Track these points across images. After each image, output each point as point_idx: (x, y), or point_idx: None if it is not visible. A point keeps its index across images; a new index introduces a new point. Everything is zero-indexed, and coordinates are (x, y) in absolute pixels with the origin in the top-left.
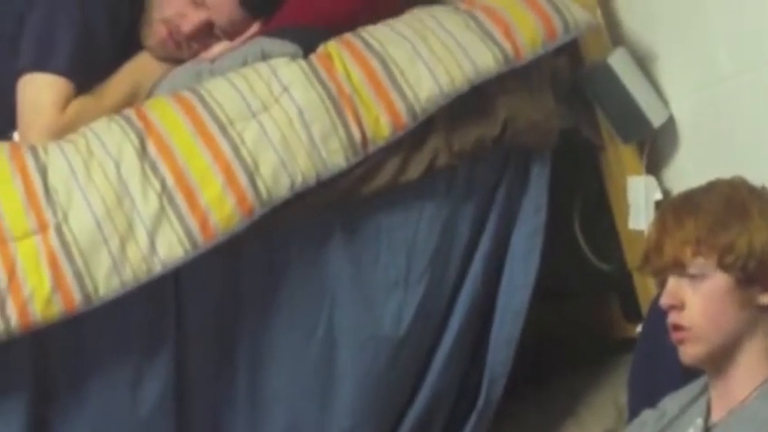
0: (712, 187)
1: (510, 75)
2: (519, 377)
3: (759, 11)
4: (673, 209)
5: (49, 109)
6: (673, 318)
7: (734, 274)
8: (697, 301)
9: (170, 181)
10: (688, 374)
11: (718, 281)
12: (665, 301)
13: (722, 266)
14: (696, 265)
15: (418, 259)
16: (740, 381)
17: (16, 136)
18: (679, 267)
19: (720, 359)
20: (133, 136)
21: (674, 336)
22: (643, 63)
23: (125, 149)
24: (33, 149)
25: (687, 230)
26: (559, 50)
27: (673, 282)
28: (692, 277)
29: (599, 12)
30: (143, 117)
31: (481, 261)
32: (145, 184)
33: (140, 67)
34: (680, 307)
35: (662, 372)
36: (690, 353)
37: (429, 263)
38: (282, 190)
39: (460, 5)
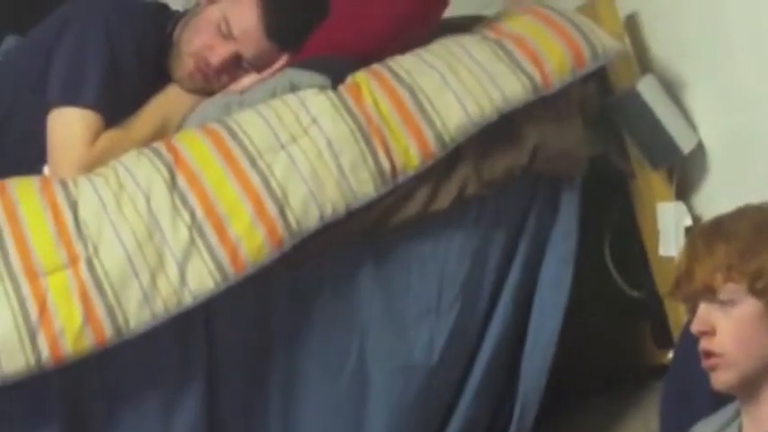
0: (742, 213)
1: (539, 103)
2: (551, 403)
3: None
4: (703, 235)
5: (78, 143)
6: (704, 344)
7: (765, 300)
8: (728, 327)
9: (200, 213)
10: (719, 400)
11: (749, 306)
12: (695, 327)
13: (753, 292)
14: (727, 290)
15: (449, 288)
16: None
17: (46, 170)
18: (710, 293)
19: (752, 385)
20: (163, 169)
21: (705, 363)
22: (672, 89)
23: (155, 182)
24: (64, 183)
25: (718, 256)
26: (588, 78)
27: (703, 308)
28: (723, 303)
29: (627, 39)
30: (172, 150)
31: (512, 289)
32: (175, 217)
33: (169, 100)
34: (711, 333)
35: (693, 398)
36: (721, 379)
37: (460, 291)
38: (312, 221)
39: (488, 34)
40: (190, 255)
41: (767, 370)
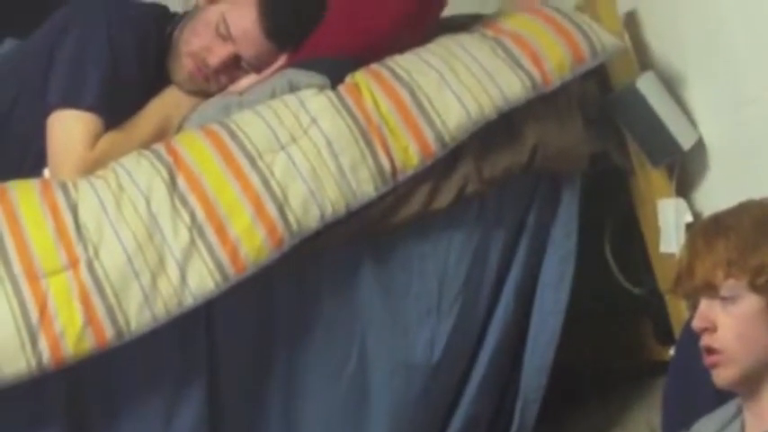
0: (742, 209)
1: (538, 101)
2: (552, 400)
3: None
4: (703, 231)
5: (78, 145)
6: (705, 340)
7: (766, 296)
8: (729, 324)
9: (200, 214)
10: (721, 397)
11: (751, 302)
12: (696, 323)
13: (754, 288)
14: (728, 287)
15: (450, 287)
16: None
17: (46, 173)
18: (710, 290)
19: (753, 381)
20: (163, 170)
21: (707, 360)
22: (671, 86)
23: (155, 184)
24: (64, 186)
25: (718, 253)
26: (587, 75)
27: (704, 304)
28: (724, 299)
29: (626, 36)
30: (172, 151)
31: (512, 287)
32: (175, 218)
33: (169, 102)
34: (712, 329)
35: (695, 394)
36: (723, 376)
37: (460, 290)
38: (312, 221)
39: (487, 32)
40: (190, 256)
41: None
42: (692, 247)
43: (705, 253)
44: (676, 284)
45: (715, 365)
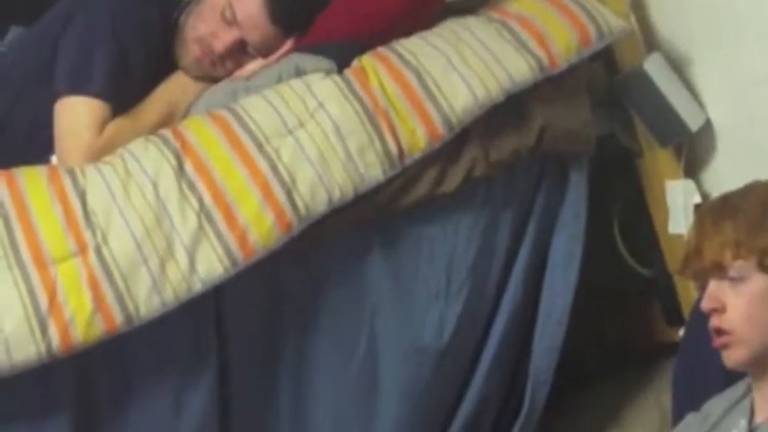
0: (750, 189)
1: (545, 83)
2: (562, 382)
3: None
4: (711, 212)
5: (86, 132)
6: (714, 321)
7: None
8: (738, 304)
9: (208, 199)
10: (731, 377)
11: (759, 283)
12: (705, 304)
13: (762, 268)
14: (736, 267)
15: (458, 270)
16: None
17: (54, 159)
18: (719, 270)
19: (763, 361)
20: (170, 156)
21: (717, 341)
22: (678, 67)
23: (162, 169)
24: (71, 173)
25: (726, 233)
26: (594, 57)
27: (713, 285)
28: (733, 280)
29: (633, 17)
30: (180, 137)
31: (521, 270)
32: (183, 204)
33: (176, 87)
34: (721, 310)
35: (705, 375)
36: (733, 357)
37: (469, 273)
38: (320, 205)
39: (493, 15)
40: (199, 241)
41: None
42: (700, 227)
43: (713, 233)
44: (684, 265)
45: (725, 346)
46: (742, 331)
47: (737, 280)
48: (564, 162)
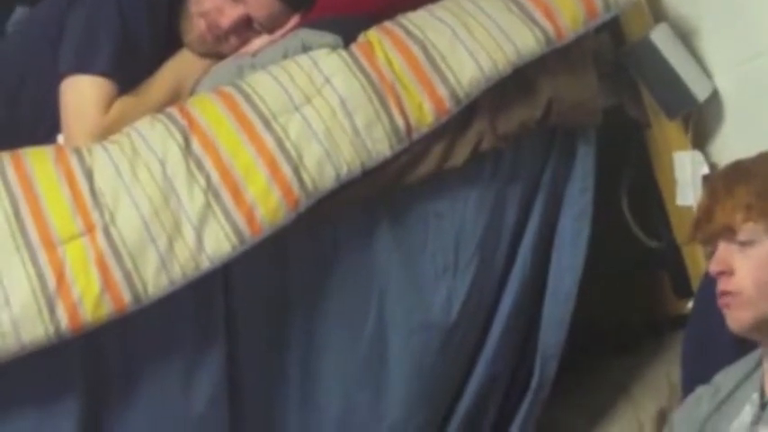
0: (763, 156)
1: (552, 55)
2: (571, 357)
3: None
4: (723, 177)
5: (92, 110)
6: (722, 285)
7: None
8: (746, 267)
9: (215, 177)
10: (741, 349)
11: None
12: (714, 267)
13: None
14: (746, 230)
15: (466, 245)
16: None
17: (60, 139)
18: (729, 233)
19: None
20: (177, 134)
21: (722, 301)
22: (685, 38)
23: (169, 147)
24: (78, 152)
25: (738, 196)
26: (601, 29)
27: (722, 248)
28: (742, 244)
29: None
30: (186, 114)
31: (529, 244)
32: (190, 182)
33: (182, 65)
34: (729, 273)
35: (715, 347)
36: (736, 317)
37: (477, 248)
38: (328, 181)
39: None
40: (206, 219)
41: None
42: (712, 191)
43: (725, 197)
44: (695, 228)
45: (729, 307)
46: (748, 293)
47: (747, 243)
48: (571, 135)
